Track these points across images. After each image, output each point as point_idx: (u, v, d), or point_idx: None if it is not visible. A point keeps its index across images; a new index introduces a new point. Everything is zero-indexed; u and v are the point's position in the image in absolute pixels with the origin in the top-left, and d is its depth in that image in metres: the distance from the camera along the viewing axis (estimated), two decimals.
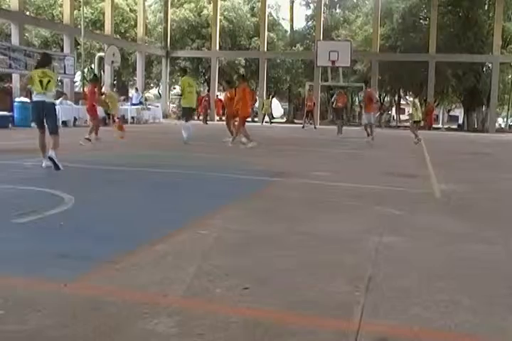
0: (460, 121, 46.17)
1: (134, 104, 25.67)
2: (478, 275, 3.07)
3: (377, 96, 19.94)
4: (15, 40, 21.56)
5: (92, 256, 3.16)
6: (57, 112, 7.68)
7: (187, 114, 13.11)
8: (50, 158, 6.96)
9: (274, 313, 2.39)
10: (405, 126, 38.08)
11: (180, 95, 13.18)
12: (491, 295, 2.70)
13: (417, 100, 17.88)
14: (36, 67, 7.69)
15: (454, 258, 3.38)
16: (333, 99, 22.37)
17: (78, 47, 27.33)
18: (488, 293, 2.75)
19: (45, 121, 7.37)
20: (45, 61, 7.81)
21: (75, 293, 2.55)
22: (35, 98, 7.37)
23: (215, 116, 33.28)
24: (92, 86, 13.98)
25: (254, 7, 41.69)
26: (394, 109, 54.78)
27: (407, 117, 44.30)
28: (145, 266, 3.00)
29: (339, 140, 15.64)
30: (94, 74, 12.19)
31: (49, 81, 7.29)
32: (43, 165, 7.24)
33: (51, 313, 2.29)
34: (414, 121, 16.35)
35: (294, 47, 41.25)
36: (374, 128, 16.97)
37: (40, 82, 7.25)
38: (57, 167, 6.92)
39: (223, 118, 37.16)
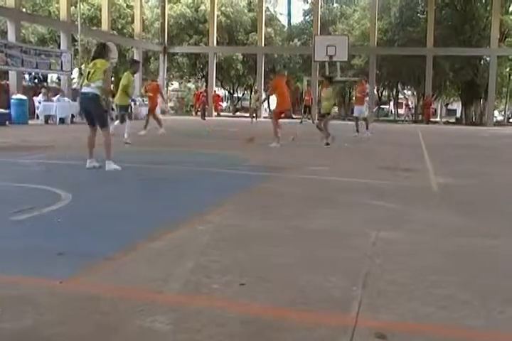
0: (458, 115, 46.18)
1: None
2: (475, 269, 3.06)
3: (367, 89, 17.87)
4: (11, 37, 21.48)
5: (89, 253, 3.15)
6: (102, 104, 6.92)
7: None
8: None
9: (271, 309, 2.39)
10: (403, 120, 38.12)
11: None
12: (488, 289, 2.70)
13: (330, 89, 12.93)
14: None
15: (450, 253, 3.37)
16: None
17: (75, 43, 27.24)
18: (485, 286, 2.74)
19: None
20: (96, 52, 7.21)
21: (71, 291, 2.55)
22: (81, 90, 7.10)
23: (213, 111, 33.24)
24: None
25: (251, 2, 41.58)
26: (392, 103, 54.82)
27: (404, 112, 44.27)
28: (142, 262, 3.00)
29: (335, 134, 15.59)
30: None
31: (94, 71, 6.86)
32: (87, 165, 6.90)
33: (47, 311, 2.28)
34: (325, 114, 12.60)
35: (291, 42, 41.19)
36: (368, 122, 16.44)
37: (88, 73, 6.91)
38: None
39: (221, 113, 37.25)
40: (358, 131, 15.76)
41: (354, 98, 17.01)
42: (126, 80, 10.99)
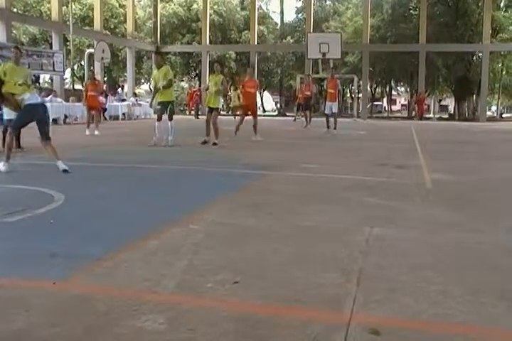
0: (451, 111, 46.31)
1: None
2: (468, 264, 3.07)
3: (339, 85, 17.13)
4: (2, 37, 21.38)
5: (82, 254, 3.14)
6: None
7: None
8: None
9: (265, 307, 2.39)
10: (396, 117, 38.20)
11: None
12: (481, 284, 2.71)
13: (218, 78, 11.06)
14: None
15: (443, 249, 3.38)
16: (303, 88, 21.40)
17: (67, 43, 27.15)
18: (478, 282, 2.75)
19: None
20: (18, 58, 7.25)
21: (64, 292, 2.54)
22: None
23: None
24: None
25: (243, 0, 41.56)
26: (385, 99, 54.91)
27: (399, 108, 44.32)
28: (135, 262, 2.99)
29: (328, 132, 15.60)
30: None
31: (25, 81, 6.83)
32: (3, 168, 6.60)
33: (40, 312, 2.28)
34: (213, 108, 11.24)
35: (284, 40, 41.18)
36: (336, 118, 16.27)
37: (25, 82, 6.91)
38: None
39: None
40: (328, 127, 15.76)
41: (327, 94, 16.71)
42: (170, 74, 10.35)
